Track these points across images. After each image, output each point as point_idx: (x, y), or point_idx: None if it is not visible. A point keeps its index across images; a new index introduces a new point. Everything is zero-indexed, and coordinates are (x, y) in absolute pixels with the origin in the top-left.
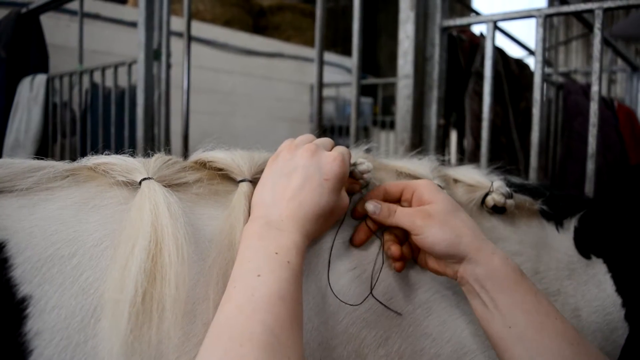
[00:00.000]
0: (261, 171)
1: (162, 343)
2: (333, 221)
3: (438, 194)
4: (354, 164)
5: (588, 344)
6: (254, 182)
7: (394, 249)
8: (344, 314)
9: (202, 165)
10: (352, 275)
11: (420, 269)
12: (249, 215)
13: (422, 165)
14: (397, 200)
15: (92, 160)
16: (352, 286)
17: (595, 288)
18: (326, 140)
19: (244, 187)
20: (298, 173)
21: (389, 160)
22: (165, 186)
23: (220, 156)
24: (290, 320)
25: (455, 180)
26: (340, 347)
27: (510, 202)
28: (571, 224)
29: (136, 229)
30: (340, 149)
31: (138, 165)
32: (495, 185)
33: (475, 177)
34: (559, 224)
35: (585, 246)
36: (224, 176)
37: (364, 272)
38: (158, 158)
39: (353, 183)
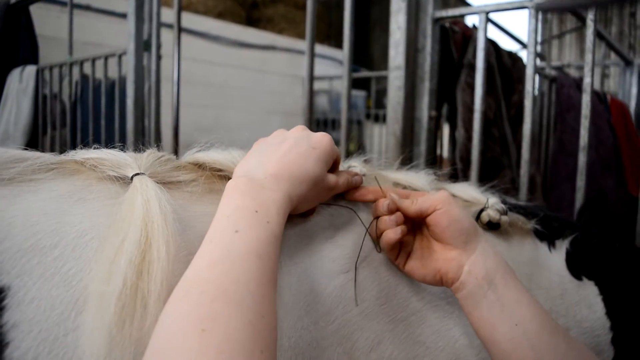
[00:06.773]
0: None
1: (143, 339)
2: (317, 195)
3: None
4: (348, 166)
5: (575, 339)
6: None
7: (397, 231)
8: (336, 315)
9: (198, 165)
10: (345, 277)
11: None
12: None
13: (420, 178)
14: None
15: (79, 154)
16: (344, 289)
17: (586, 309)
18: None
19: None
20: (287, 141)
21: (387, 171)
22: (157, 183)
23: (217, 157)
24: (267, 278)
25: (452, 196)
26: (331, 349)
27: (504, 218)
28: (563, 245)
29: (127, 222)
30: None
31: (130, 161)
32: (490, 202)
33: (471, 193)
34: (551, 244)
35: (577, 268)
36: (222, 177)
37: (358, 275)
38: (150, 154)
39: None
